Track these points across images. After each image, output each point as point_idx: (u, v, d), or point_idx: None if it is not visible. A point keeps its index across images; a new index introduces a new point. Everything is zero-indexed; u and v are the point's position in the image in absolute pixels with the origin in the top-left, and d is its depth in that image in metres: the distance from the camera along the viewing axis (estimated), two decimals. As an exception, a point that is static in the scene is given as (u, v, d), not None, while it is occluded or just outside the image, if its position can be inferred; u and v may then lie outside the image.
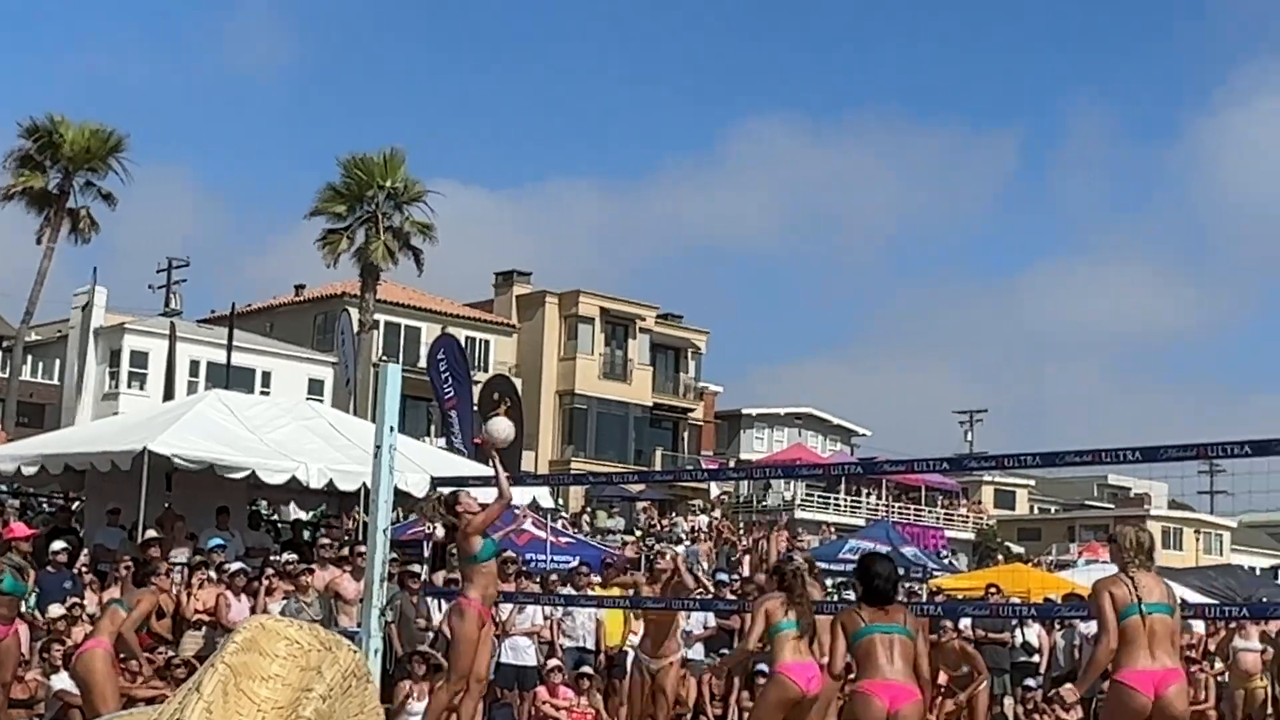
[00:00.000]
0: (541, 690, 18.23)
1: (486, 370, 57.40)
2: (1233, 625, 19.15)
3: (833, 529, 53.79)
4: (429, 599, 17.54)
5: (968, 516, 74.99)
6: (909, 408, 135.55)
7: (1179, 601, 9.59)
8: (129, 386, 55.48)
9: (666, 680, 14.98)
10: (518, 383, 56.07)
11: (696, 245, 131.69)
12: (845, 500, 69.43)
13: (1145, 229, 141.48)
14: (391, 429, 11.85)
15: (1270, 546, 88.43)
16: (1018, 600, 23.75)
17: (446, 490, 13.10)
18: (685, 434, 70.89)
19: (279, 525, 26.58)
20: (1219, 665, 19.94)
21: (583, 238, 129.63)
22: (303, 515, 27.18)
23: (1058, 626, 21.27)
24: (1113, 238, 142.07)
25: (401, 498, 17.63)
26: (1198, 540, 79.96)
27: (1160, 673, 9.15)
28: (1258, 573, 53.87)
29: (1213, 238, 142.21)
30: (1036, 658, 21.22)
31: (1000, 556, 57.35)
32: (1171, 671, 9.21)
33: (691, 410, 71.30)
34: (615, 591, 19.22)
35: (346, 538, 20.83)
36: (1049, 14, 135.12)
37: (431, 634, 17.95)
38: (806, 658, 10.77)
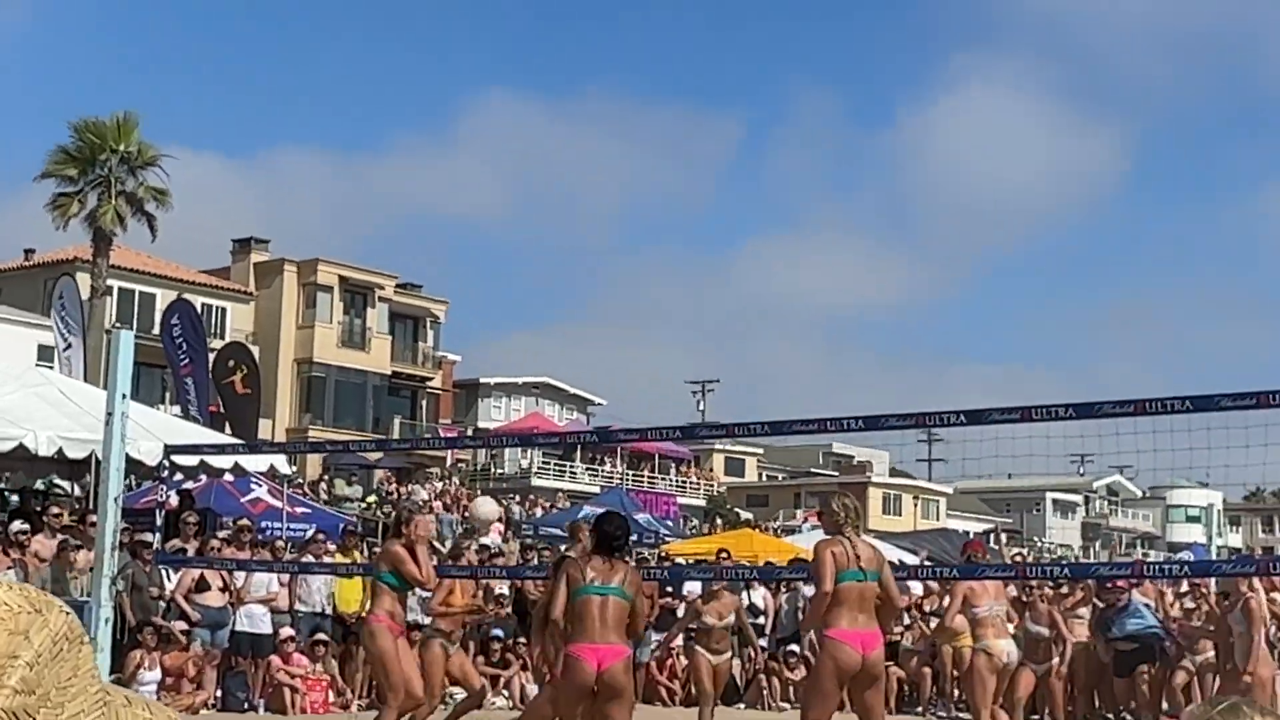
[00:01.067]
0: (276, 658, 18.05)
1: (223, 337, 56.23)
2: (946, 586, 19.78)
3: (567, 496, 54.15)
4: (161, 568, 17.18)
5: (699, 483, 76.11)
6: (643, 377, 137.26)
7: (886, 565, 10.06)
8: None
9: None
10: (255, 350, 55.03)
11: (434, 216, 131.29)
12: (581, 468, 69.87)
13: (860, 209, 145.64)
14: (124, 396, 11.52)
15: (983, 512, 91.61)
16: (746, 564, 24.20)
17: (414, 505, 12.76)
18: (424, 402, 70.53)
19: (5, 494, 25.71)
20: (933, 624, 20.61)
21: (320, 207, 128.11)
22: (39, 485, 26.31)
23: (783, 589, 21.73)
24: (830, 216, 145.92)
25: (134, 466, 17.20)
26: (916, 506, 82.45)
27: (866, 634, 9.60)
28: (971, 536, 55.78)
29: (922, 219, 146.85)
30: (762, 619, 21.65)
31: (719, 520, 58.27)
32: (875, 634, 9.71)
33: (430, 379, 70.96)
34: (355, 558, 19.08)
35: (77, 506, 20.27)
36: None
37: (164, 603, 17.62)
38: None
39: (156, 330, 55.23)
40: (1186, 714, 2.92)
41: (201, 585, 17.74)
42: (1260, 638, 14.94)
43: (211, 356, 35.04)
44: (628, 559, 9.99)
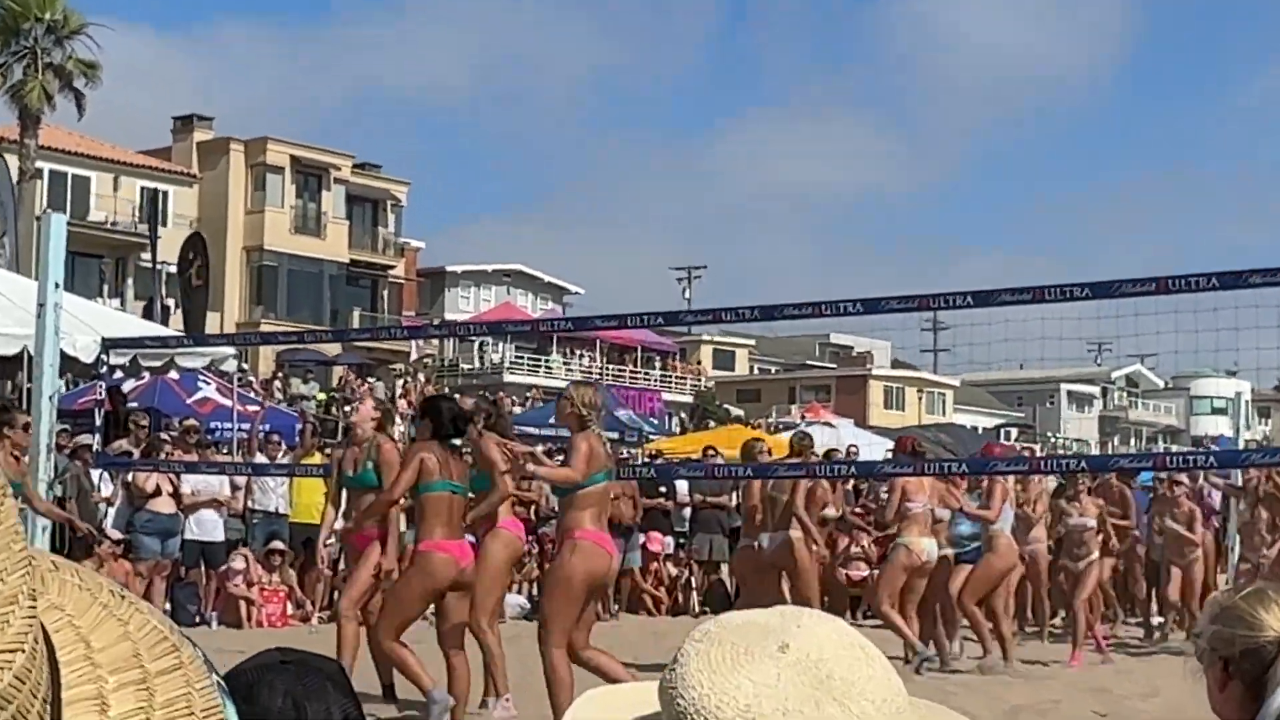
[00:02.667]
0: (230, 567, 18.13)
1: (165, 224, 55.92)
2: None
3: (541, 392, 54.22)
4: (96, 471, 17.18)
5: (685, 378, 76.25)
6: (624, 265, 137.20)
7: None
8: None
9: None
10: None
11: (390, 91, 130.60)
12: (557, 361, 69.93)
13: (850, 86, 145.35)
14: (56, 285, 11.43)
15: (993, 405, 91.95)
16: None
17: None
18: (385, 293, 70.34)
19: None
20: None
21: (266, 82, 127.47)
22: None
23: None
24: (817, 94, 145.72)
25: (69, 362, 17.14)
26: (920, 399, 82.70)
27: (607, 538, 10.00)
28: (980, 432, 56.09)
29: (916, 95, 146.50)
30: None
31: (712, 421, 58.41)
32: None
33: (391, 267, 70.75)
34: (317, 459, 19.05)
35: (9, 406, 20.21)
36: None
37: (104, 508, 17.66)
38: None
39: (92, 216, 55.00)
40: (1210, 601, 2.93)
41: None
42: (999, 524, 14.72)
43: (160, 244, 34.91)
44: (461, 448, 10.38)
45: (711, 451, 23.87)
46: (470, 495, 10.51)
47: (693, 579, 21.73)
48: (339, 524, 12.14)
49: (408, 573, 10.34)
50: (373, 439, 11.27)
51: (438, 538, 10.03)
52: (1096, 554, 16.54)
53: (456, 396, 10.82)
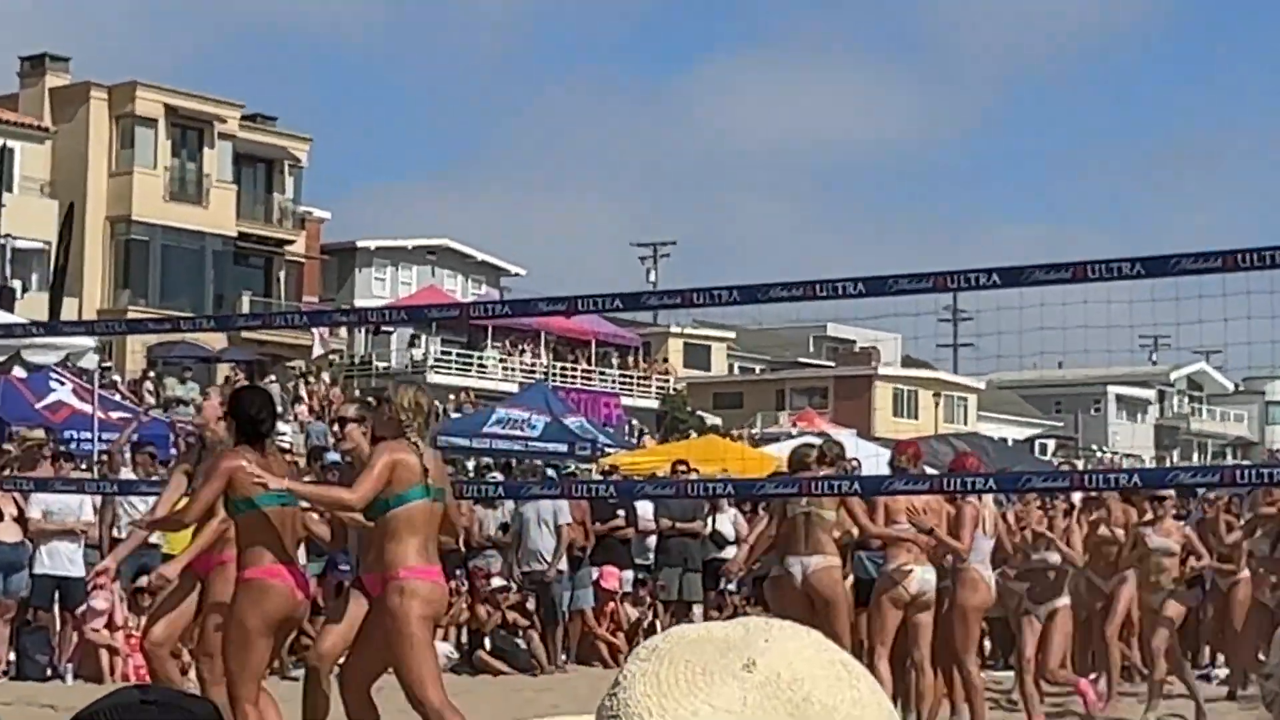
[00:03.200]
0: (90, 608, 18.08)
1: (10, 189, 55.70)
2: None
3: (473, 395, 54.23)
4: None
5: (650, 379, 76.24)
6: (574, 240, 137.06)
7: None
8: None
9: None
10: (53, 205, 54.60)
11: (286, 25, 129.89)
12: (492, 358, 69.86)
13: (854, 19, 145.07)
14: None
15: (1026, 412, 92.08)
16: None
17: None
18: (281, 274, 70.16)
19: None
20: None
21: (134, 15, 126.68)
22: None
23: (762, 512, 21.81)
24: (814, 29, 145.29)
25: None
26: (938, 405, 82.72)
27: (437, 570, 10.00)
28: (1010, 444, 56.18)
29: (933, 31, 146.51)
30: (731, 550, 21.68)
31: (694, 430, 58.47)
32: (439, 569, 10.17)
33: (289, 242, 70.60)
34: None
35: None
36: None
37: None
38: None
39: (-80, 179, 54.68)
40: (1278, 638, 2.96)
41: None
42: (969, 557, 14.63)
43: (4, 213, 34.84)
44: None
45: (683, 468, 23.84)
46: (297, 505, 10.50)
47: (657, 623, 21.69)
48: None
49: (237, 611, 10.10)
50: (226, 442, 10.95)
51: (267, 563, 9.94)
52: (1066, 600, 16.41)
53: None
